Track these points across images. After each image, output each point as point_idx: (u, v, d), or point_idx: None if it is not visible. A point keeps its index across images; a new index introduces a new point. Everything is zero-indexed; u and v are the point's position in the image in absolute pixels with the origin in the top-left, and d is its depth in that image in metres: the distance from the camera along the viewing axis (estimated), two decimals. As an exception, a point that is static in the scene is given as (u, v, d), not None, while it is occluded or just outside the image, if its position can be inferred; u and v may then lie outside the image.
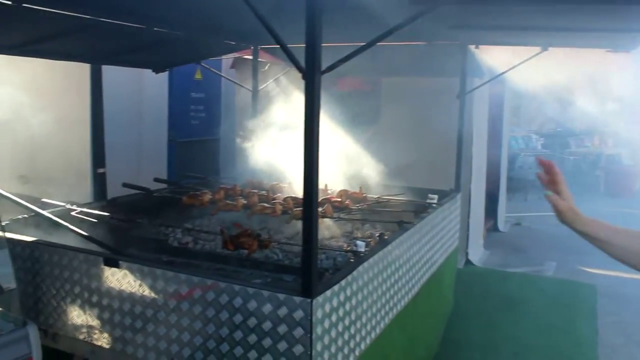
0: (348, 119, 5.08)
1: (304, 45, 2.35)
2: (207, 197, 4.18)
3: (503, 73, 5.15)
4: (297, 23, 2.53)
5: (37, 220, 3.73)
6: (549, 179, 1.79)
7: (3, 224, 2.95)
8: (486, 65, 6.09)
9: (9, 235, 3.01)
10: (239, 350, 2.64)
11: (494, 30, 4.41)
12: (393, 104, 7.24)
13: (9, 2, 3.37)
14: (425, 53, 5.42)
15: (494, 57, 5.69)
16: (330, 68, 2.37)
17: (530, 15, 3.61)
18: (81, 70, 5.93)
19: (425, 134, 6.35)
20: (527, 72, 5.27)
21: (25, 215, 3.85)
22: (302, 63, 2.35)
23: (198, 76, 8.62)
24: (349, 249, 3.66)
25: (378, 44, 2.63)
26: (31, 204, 3.57)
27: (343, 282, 2.73)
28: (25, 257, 3.36)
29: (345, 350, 2.84)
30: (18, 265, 3.31)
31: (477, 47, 5.39)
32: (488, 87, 7.32)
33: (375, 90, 7.67)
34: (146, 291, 2.90)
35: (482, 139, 8.11)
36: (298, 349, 2.49)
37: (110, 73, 6.06)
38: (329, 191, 4.48)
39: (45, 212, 3.63)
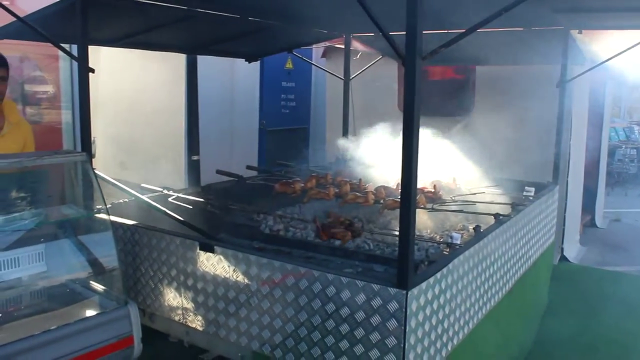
0: (440, 108, 4.96)
1: (398, 33, 2.30)
2: (299, 185, 4.19)
3: (608, 60, 4.84)
4: (392, 9, 2.47)
5: (137, 205, 3.88)
6: None
7: (107, 207, 3.07)
8: (588, 52, 5.76)
9: (112, 218, 3.13)
10: (330, 340, 2.63)
11: (603, 13, 4.15)
12: (487, 93, 7.00)
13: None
14: (522, 39, 5.19)
15: (596, 42, 5.38)
16: (432, 53, 2.30)
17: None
18: (177, 61, 6.12)
19: (521, 124, 6.10)
20: (633, 58, 4.94)
21: (126, 200, 4.01)
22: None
23: (289, 65, 8.71)
24: (442, 240, 3.57)
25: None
26: (131, 189, 3.71)
27: (438, 275, 2.66)
28: (127, 239, 3.50)
29: (438, 345, 2.77)
30: (120, 247, 3.46)
31: (579, 32, 5.09)
32: (589, 75, 6.93)
33: (469, 79, 7.45)
34: (240, 276, 2.94)
35: (581, 130, 7.71)
36: (391, 341, 2.45)
37: (204, 63, 6.21)
38: (421, 181, 4.38)
39: (144, 197, 3.76)
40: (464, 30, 2.51)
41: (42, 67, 6.66)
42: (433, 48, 2.40)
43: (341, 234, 3.39)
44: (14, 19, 3.06)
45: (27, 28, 3.12)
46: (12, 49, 5.35)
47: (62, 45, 3.46)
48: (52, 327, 2.61)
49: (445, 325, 2.82)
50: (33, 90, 6.63)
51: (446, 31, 4.25)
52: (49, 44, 3.44)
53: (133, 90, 6.88)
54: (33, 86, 6.63)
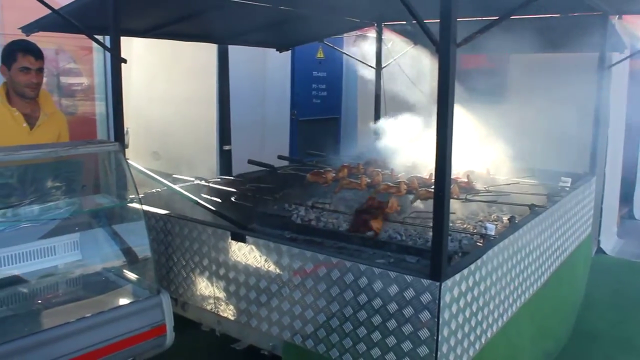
0: (472, 98, 4.87)
1: (431, 20, 2.25)
2: (331, 175, 4.17)
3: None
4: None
5: (169, 195, 3.90)
6: None
7: (139, 196, 3.09)
8: (628, 38, 5.60)
9: (145, 207, 3.15)
10: (362, 331, 2.61)
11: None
12: (521, 82, 6.87)
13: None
14: (559, 26, 5.07)
15: (637, 27, 5.23)
16: (467, 40, 2.24)
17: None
18: (208, 51, 6.13)
19: (557, 113, 5.97)
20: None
21: (159, 190, 4.04)
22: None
23: (320, 55, 8.67)
24: (475, 231, 3.51)
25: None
26: (163, 179, 3.73)
27: (472, 266, 2.62)
28: (159, 228, 3.53)
29: (472, 337, 2.72)
30: (153, 236, 3.48)
31: (619, 18, 4.95)
32: (628, 62, 6.74)
33: (502, 67, 7.31)
34: (271, 266, 2.93)
35: (619, 120, 7.52)
36: (424, 333, 2.42)
37: (235, 53, 6.21)
38: (454, 171, 4.32)
39: (176, 187, 3.79)
40: (496, 18, 2.45)
41: (76, 59, 6.75)
42: (467, 35, 2.35)
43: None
44: (49, 11, 3.10)
45: (61, 20, 3.16)
46: (47, 41, 5.42)
47: (95, 36, 3.48)
48: (86, 315, 2.64)
49: (479, 317, 2.78)
50: (68, 82, 6.72)
51: (480, 18, 4.16)
52: (83, 36, 3.47)
53: (165, 80, 6.93)
54: (68, 78, 6.72)
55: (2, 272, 2.81)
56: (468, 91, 4.63)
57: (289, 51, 6.32)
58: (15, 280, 2.88)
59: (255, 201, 4.08)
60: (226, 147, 5.28)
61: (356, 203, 3.97)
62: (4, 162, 2.80)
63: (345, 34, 7.43)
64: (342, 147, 8.23)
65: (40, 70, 3.64)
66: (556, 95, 5.94)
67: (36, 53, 3.61)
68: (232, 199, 4.03)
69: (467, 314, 2.64)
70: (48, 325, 2.54)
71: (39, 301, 2.90)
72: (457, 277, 2.48)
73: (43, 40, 3.83)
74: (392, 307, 2.49)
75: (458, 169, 4.32)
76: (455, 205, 3.88)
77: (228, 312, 3.21)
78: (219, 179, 4.55)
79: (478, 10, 3.86)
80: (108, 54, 3.64)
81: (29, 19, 3.78)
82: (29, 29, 3.82)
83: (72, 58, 6.71)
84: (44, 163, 3.00)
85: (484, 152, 4.48)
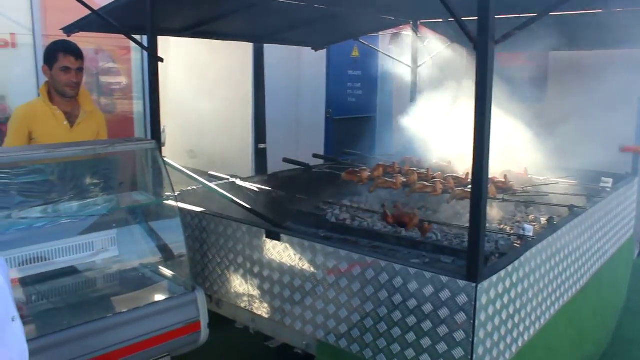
0: (511, 97, 4.79)
1: (468, 18, 2.22)
2: (366, 174, 4.14)
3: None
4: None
5: (205, 192, 3.93)
6: None
7: (175, 194, 3.12)
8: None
9: (180, 205, 3.18)
10: (396, 331, 2.58)
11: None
12: (562, 80, 6.73)
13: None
14: (600, 22, 4.94)
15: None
16: (505, 37, 2.20)
17: None
18: (244, 50, 6.16)
19: (598, 112, 5.83)
20: None
21: (194, 187, 4.08)
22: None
23: (355, 54, 8.65)
24: (513, 232, 3.45)
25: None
26: (199, 176, 3.76)
27: (510, 268, 2.57)
28: (194, 226, 3.56)
29: (508, 340, 2.67)
30: (188, 234, 3.52)
31: (666, 11, 4.79)
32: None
33: (542, 65, 7.17)
34: (306, 265, 2.93)
35: (664, 119, 7.30)
36: (459, 335, 2.38)
37: (271, 52, 6.22)
38: (491, 170, 4.25)
39: (212, 185, 3.81)
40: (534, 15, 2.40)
41: (115, 58, 6.88)
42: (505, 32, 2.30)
43: (408, 217, 3.33)
44: (89, 12, 3.15)
45: (100, 20, 3.21)
46: (87, 41, 5.53)
47: (133, 36, 3.53)
48: (123, 310, 2.68)
49: (516, 320, 2.73)
50: (107, 82, 6.85)
51: (519, 15, 4.09)
52: (122, 36, 3.52)
53: (201, 79, 7.00)
54: (107, 77, 6.86)
55: (41, 267, 2.87)
56: (506, 89, 4.55)
57: (324, 50, 6.31)
58: (54, 275, 2.94)
59: (290, 199, 4.08)
60: (261, 146, 5.29)
61: (391, 203, 3.94)
62: (46, 160, 2.86)
63: (380, 32, 7.39)
64: (377, 146, 8.19)
65: (80, 70, 3.71)
66: (597, 94, 5.80)
67: (76, 53, 3.68)
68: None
69: (504, 316, 2.59)
70: (85, 319, 2.58)
71: (76, 296, 2.95)
72: (494, 278, 2.44)
73: (83, 40, 3.90)
74: (427, 307, 2.46)
75: (495, 169, 4.25)
76: (492, 205, 3.83)
77: (262, 310, 3.22)
78: (254, 177, 4.56)
79: (517, 7, 3.79)
80: (146, 54, 3.69)
81: (70, 19, 3.86)
82: (69, 29, 3.90)
83: (111, 58, 6.84)
84: (83, 160, 3.05)
85: (522, 151, 4.40)
